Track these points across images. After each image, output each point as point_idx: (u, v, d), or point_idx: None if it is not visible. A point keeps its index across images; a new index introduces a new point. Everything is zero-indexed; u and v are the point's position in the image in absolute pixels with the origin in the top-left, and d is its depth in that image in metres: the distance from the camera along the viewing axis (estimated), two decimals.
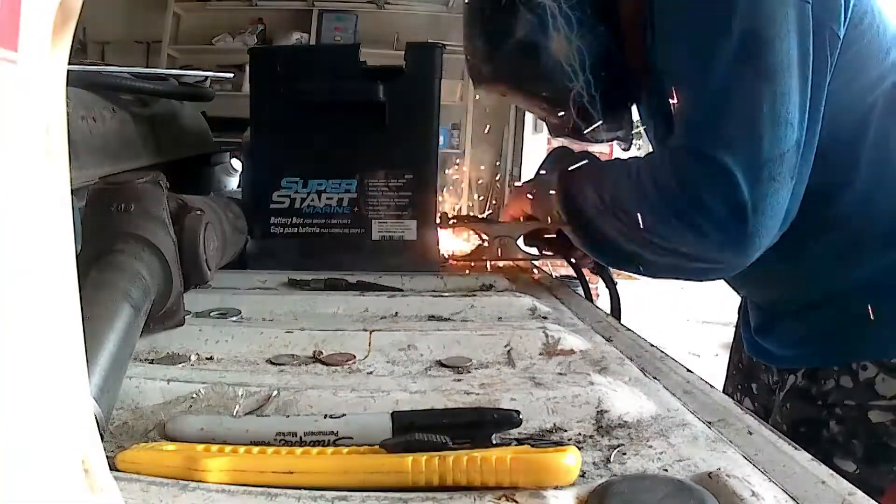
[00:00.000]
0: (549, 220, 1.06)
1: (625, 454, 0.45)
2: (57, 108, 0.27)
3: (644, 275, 0.98)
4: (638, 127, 1.13)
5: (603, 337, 0.73)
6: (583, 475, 0.41)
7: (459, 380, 0.58)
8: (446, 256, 1.16)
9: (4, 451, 0.23)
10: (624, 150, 1.16)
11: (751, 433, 0.49)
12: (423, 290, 0.93)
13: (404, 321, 0.78)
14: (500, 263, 1.18)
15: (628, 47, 0.97)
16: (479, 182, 5.89)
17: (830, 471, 0.42)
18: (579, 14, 0.93)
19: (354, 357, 0.64)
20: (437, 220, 1.12)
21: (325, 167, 1.07)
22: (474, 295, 0.87)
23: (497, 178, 5.78)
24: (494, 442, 0.42)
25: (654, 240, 0.87)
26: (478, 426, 0.43)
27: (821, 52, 0.84)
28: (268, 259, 1.06)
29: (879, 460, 0.92)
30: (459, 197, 5.26)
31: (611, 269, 1.18)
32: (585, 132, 1.03)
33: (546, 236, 1.12)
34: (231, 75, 4.72)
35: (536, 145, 5.75)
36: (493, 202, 5.78)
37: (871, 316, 0.95)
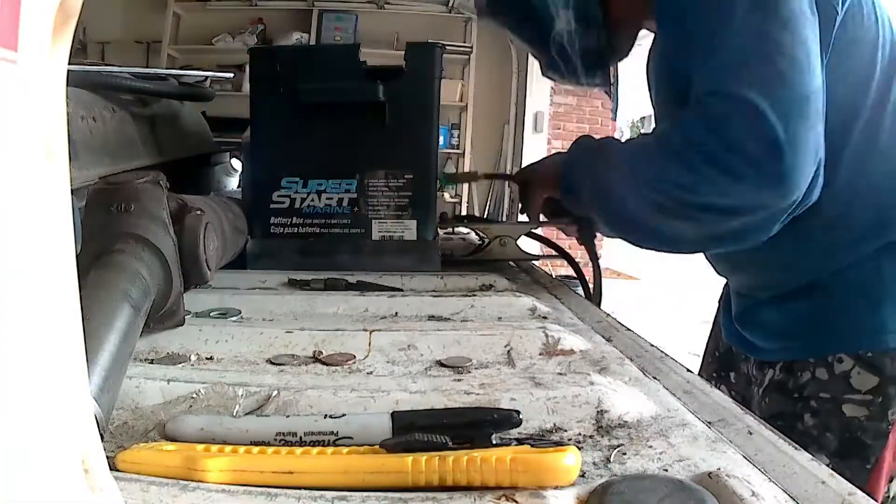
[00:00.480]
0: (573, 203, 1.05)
1: (625, 454, 0.45)
2: (57, 108, 0.27)
3: (680, 250, 0.97)
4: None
5: (603, 337, 0.73)
6: (583, 475, 0.41)
7: (459, 380, 0.58)
8: (447, 255, 1.16)
9: (4, 451, 0.23)
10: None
11: (751, 433, 0.49)
12: (423, 290, 0.93)
13: (404, 321, 0.78)
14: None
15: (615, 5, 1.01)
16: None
17: (830, 471, 0.42)
18: None
19: (354, 357, 0.64)
20: (438, 220, 1.12)
21: (324, 167, 1.07)
22: (474, 295, 0.87)
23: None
24: (494, 442, 0.42)
25: (689, 198, 0.84)
26: (478, 426, 0.43)
27: (822, 23, 0.85)
28: (268, 259, 1.06)
29: (852, 455, 0.93)
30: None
31: (595, 245, 1.19)
32: (564, 74, 1.07)
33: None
34: (231, 75, 4.72)
35: (536, 145, 5.75)
36: (493, 201, 5.78)
37: (848, 308, 0.97)
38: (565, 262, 1.30)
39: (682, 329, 6.53)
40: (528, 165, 1.24)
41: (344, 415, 0.47)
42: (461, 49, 5.65)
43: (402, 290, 0.92)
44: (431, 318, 0.80)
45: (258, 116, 1.10)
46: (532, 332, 0.69)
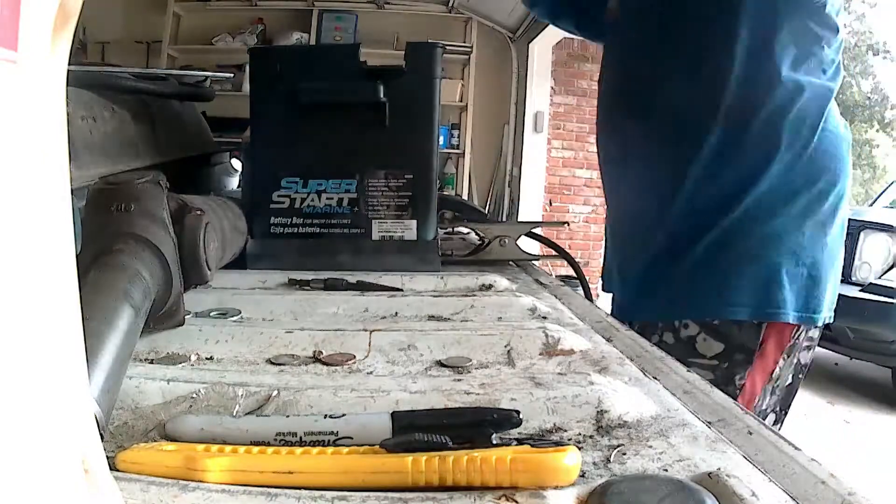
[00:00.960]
0: None
1: (625, 454, 0.45)
2: (57, 108, 0.27)
3: None
4: None
5: (603, 337, 0.73)
6: (583, 475, 0.41)
7: (459, 380, 0.58)
8: (447, 255, 1.16)
9: (4, 451, 0.23)
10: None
11: (751, 433, 0.49)
12: (423, 290, 0.93)
13: (404, 321, 0.78)
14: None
15: None
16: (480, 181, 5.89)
17: (830, 471, 0.42)
18: None
19: (354, 357, 0.64)
20: (438, 220, 1.12)
21: (325, 167, 1.07)
22: (474, 295, 0.87)
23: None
24: (494, 442, 0.42)
25: None
26: (478, 426, 0.43)
27: None
28: (268, 259, 1.06)
29: None
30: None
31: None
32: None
33: None
34: (231, 75, 4.73)
35: (536, 145, 5.75)
36: (493, 201, 5.79)
37: (697, 277, 1.03)
38: (565, 262, 1.31)
39: None
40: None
41: (344, 415, 0.47)
42: (461, 49, 5.65)
43: (402, 290, 0.93)
44: (431, 318, 0.80)
45: (258, 116, 1.10)
46: (532, 332, 0.69)
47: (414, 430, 0.42)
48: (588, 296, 1.17)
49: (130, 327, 0.54)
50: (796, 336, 1.05)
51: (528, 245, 1.29)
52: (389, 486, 0.39)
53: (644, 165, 1.08)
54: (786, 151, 1.01)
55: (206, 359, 0.64)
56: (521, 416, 0.45)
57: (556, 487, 0.38)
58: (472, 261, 1.18)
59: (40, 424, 0.25)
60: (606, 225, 1.29)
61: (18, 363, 0.24)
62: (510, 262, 1.22)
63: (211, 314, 0.77)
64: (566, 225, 2.39)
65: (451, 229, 1.76)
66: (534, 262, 1.25)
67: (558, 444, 0.40)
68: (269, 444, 0.44)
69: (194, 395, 0.52)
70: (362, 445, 0.43)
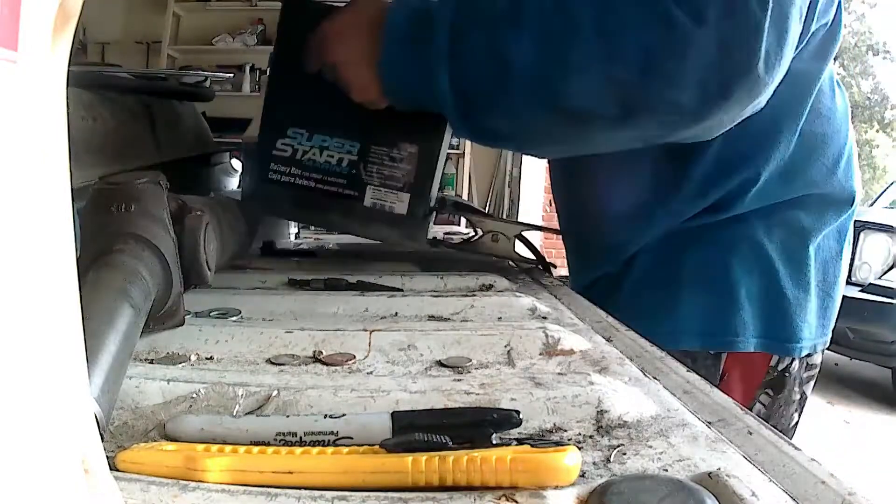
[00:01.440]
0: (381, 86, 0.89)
1: (625, 454, 0.45)
2: (57, 108, 0.27)
3: (582, 146, 0.85)
4: None
5: (603, 337, 0.73)
6: (583, 475, 0.41)
7: (459, 380, 0.58)
8: (436, 239, 1.15)
9: (4, 452, 0.23)
10: None
11: (751, 433, 0.49)
12: (423, 289, 0.93)
13: (404, 321, 0.78)
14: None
15: None
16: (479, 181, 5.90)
17: (831, 471, 0.42)
18: None
19: (354, 357, 0.64)
20: (435, 203, 1.11)
21: (332, 125, 1.06)
22: (474, 295, 0.87)
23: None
24: (494, 442, 0.42)
25: (622, 54, 0.72)
26: (478, 426, 0.43)
27: None
28: (259, 201, 1.07)
29: None
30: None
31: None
32: None
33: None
34: (231, 75, 4.74)
35: None
36: (493, 200, 5.79)
37: (640, 303, 0.92)
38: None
39: None
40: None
41: (344, 415, 0.47)
42: None
43: (401, 290, 0.93)
44: (431, 318, 0.80)
45: (280, 63, 1.10)
46: (532, 332, 0.69)
47: (414, 430, 0.42)
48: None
49: (130, 327, 0.54)
50: (778, 366, 0.91)
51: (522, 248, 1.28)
52: (389, 486, 0.39)
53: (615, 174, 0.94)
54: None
55: (206, 359, 0.64)
56: (521, 416, 0.45)
57: (556, 487, 0.38)
58: (461, 250, 1.17)
59: (40, 424, 0.25)
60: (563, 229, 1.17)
61: (18, 363, 0.24)
62: (509, 262, 1.21)
63: (211, 314, 0.77)
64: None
65: (447, 216, 1.76)
66: (519, 263, 1.23)
67: (558, 444, 0.41)
68: (269, 444, 0.44)
69: (194, 395, 0.52)
70: (362, 445, 0.43)
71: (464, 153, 5.81)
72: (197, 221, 0.74)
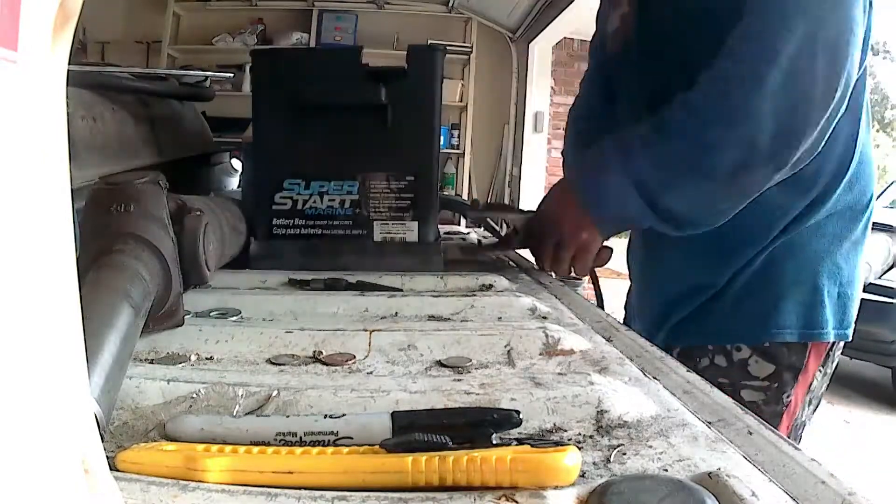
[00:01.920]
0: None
1: (625, 454, 0.45)
2: (57, 108, 0.27)
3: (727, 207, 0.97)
4: None
5: (603, 337, 0.73)
6: (583, 475, 0.41)
7: (459, 380, 0.58)
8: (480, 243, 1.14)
9: (4, 452, 0.23)
10: None
11: (751, 433, 0.49)
12: (423, 290, 0.93)
13: (404, 321, 0.78)
14: None
15: None
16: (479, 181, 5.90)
17: (831, 471, 0.42)
18: None
19: (354, 357, 0.64)
20: (475, 206, 1.13)
21: (327, 169, 1.07)
22: (474, 295, 0.87)
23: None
24: (494, 442, 0.42)
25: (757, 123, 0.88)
26: (478, 426, 0.43)
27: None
28: (270, 259, 1.07)
29: None
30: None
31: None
32: None
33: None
34: (231, 75, 4.73)
35: (536, 145, 5.75)
36: (493, 199, 5.78)
37: (743, 306, 1.06)
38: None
39: None
40: (528, 217, 1.17)
41: (344, 415, 0.47)
42: (461, 49, 5.65)
43: (401, 290, 0.92)
44: (431, 318, 0.80)
45: (260, 118, 1.10)
46: (532, 332, 0.69)
47: (414, 430, 0.42)
48: (601, 304, 1.17)
49: (130, 327, 0.54)
50: (831, 349, 1.09)
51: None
52: (389, 486, 0.39)
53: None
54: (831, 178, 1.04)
55: (206, 359, 0.64)
56: (521, 416, 0.45)
57: (556, 487, 0.38)
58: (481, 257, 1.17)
59: (40, 424, 0.25)
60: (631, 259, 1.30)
61: (19, 363, 0.24)
62: (510, 262, 1.21)
63: (211, 314, 0.77)
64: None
65: (476, 222, 1.77)
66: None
67: (558, 444, 0.40)
68: (269, 444, 0.44)
69: (194, 395, 0.52)
70: (362, 445, 0.43)
71: (464, 152, 5.81)
72: (196, 221, 0.74)
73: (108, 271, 0.59)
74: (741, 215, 0.97)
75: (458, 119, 5.91)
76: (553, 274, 1.12)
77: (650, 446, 0.46)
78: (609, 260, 1.10)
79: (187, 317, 0.71)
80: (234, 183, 1.79)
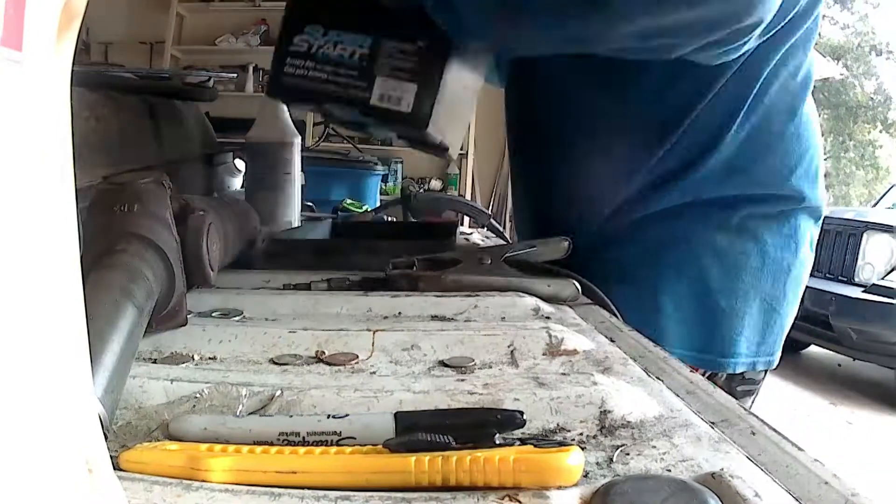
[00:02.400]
0: None
1: (628, 454, 0.45)
2: (62, 108, 0.27)
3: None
4: None
5: (606, 337, 0.73)
6: (586, 475, 0.41)
7: (462, 380, 0.58)
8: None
9: (7, 452, 0.23)
10: None
11: (754, 433, 0.49)
12: (427, 289, 0.93)
13: (408, 321, 0.78)
14: None
15: None
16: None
17: (834, 472, 0.42)
18: None
19: (357, 357, 0.64)
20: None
21: (347, 22, 1.08)
22: (477, 295, 0.86)
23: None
24: (498, 442, 0.42)
25: None
26: (481, 426, 0.43)
27: None
28: (278, 94, 1.10)
29: None
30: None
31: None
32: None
33: None
34: (234, 75, 4.74)
35: None
36: (496, 201, 5.79)
37: None
38: None
39: None
40: None
41: (347, 415, 0.47)
42: None
43: (405, 289, 0.92)
44: (434, 318, 0.80)
45: None
46: (535, 333, 0.69)
47: (417, 430, 0.42)
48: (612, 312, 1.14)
49: (133, 327, 0.54)
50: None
51: None
52: (392, 486, 0.39)
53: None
54: None
55: (209, 359, 0.64)
56: (524, 417, 0.45)
57: (559, 487, 0.38)
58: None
59: (44, 424, 0.25)
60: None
61: (22, 363, 0.24)
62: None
63: (213, 314, 0.77)
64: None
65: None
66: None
67: (561, 444, 0.40)
68: (272, 444, 0.44)
69: (197, 395, 0.52)
70: (365, 445, 0.43)
71: (467, 153, 5.81)
72: (200, 221, 0.74)
73: (112, 271, 0.59)
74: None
75: None
76: None
77: (653, 446, 0.46)
78: None
79: (190, 316, 0.71)
80: (237, 183, 1.79)
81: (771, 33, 0.82)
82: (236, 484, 0.39)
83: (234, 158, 1.79)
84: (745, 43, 0.74)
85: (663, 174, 0.85)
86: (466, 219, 2.52)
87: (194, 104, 1.59)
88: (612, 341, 0.72)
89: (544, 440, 0.46)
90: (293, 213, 1.41)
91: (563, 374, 0.60)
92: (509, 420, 0.45)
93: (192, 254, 0.72)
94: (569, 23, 0.77)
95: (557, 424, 0.50)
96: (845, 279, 4.80)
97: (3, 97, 0.23)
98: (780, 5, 0.74)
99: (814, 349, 5.44)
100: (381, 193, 2.86)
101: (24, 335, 0.24)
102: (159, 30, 5.60)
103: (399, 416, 0.45)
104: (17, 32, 0.23)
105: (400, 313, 0.81)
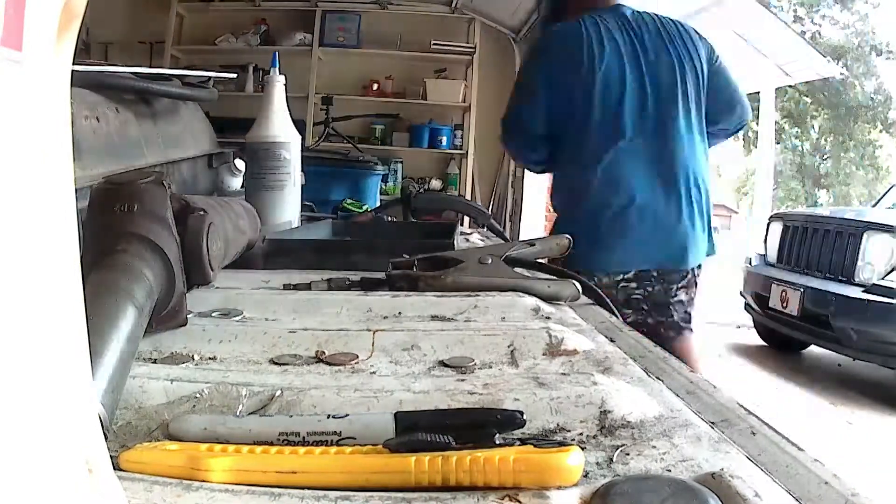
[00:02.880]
0: None
1: (628, 454, 0.45)
2: (61, 108, 0.27)
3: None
4: None
5: (606, 337, 0.73)
6: (586, 475, 0.41)
7: (463, 380, 0.58)
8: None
9: (8, 452, 0.23)
10: None
11: (754, 433, 0.49)
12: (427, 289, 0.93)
13: (408, 321, 0.78)
14: None
15: None
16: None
17: (834, 472, 0.42)
18: None
19: (357, 357, 0.64)
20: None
21: None
22: (477, 295, 0.87)
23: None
24: (498, 442, 0.42)
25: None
26: (481, 426, 0.43)
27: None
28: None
29: None
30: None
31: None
32: None
33: None
34: (234, 76, 4.73)
35: None
36: (496, 201, 5.78)
37: None
38: None
39: None
40: None
41: (347, 415, 0.47)
42: (464, 50, 5.65)
43: (405, 289, 0.92)
44: (435, 318, 0.80)
45: None
46: (535, 333, 0.69)
47: (417, 430, 0.42)
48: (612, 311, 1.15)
49: (134, 327, 0.54)
50: None
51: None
52: (393, 486, 0.39)
53: None
54: None
55: (209, 358, 0.64)
56: (524, 417, 0.45)
57: (559, 488, 0.38)
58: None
59: (44, 424, 0.25)
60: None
61: (23, 363, 0.24)
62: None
63: (213, 314, 0.77)
64: None
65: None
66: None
67: (561, 444, 0.40)
68: (272, 444, 0.44)
69: (198, 395, 0.52)
70: (365, 445, 0.43)
71: (466, 153, 5.81)
72: (200, 221, 0.74)
73: (112, 271, 0.59)
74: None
75: (461, 120, 5.91)
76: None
77: (653, 447, 0.46)
78: None
79: (190, 316, 0.71)
80: (237, 183, 1.79)
81: None
82: (236, 484, 0.39)
83: (234, 158, 1.79)
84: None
85: None
86: (466, 219, 2.52)
87: (195, 104, 1.59)
88: (612, 341, 0.72)
89: (544, 440, 0.46)
90: (293, 213, 1.42)
91: (563, 374, 0.60)
92: (509, 420, 0.45)
93: (192, 254, 0.72)
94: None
95: (557, 424, 0.50)
96: (845, 279, 4.80)
97: (3, 97, 0.23)
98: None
99: (814, 349, 5.45)
100: (381, 193, 2.86)
101: (25, 335, 0.24)
102: (159, 30, 5.60)
103: (399, 416, 0.45)
104: (17, 32, 0.23)
105: (400, 313, 0.81)
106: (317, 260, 1.08)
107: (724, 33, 7.25)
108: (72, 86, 0.28)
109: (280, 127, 1.38)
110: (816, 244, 5.13)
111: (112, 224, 0.64)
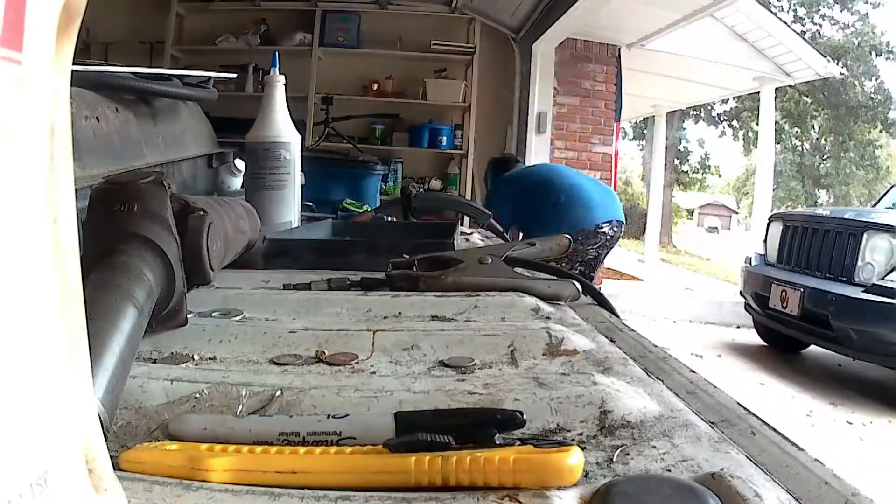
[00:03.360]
0: None
1: (628, 454, 0.45)
2: (61, 108, 0.27)
3: None
4: None
5: (606, 337, 0.73)
6: (586, 475, 0.41)
7: (463, 380, 0.58)
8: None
9: (8, 451, 0.23)
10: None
11: (754, 434, 0.49)
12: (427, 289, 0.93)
13: (408, 321, 0.78)
14: None
15: None
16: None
17: (834, 472, 0.42)
18: None
19: (358, 357, 0.64)
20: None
21: None
22: (477, 295, 0.87)
23: None
24: (498, 442, 0.42)
25: None
26: (481, 426, 0.43)
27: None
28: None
29: None
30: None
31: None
32: None
33: None
34: (234, 76, 4.73)
35: (540, 146, 5.74)
36: None
37: None
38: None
39: (685, 330, 6.54)
40: None
41: (347, 415, 0.47)
42: (464, 50, 5.65)
43: (405, 289, 0.92)
44: (435, 318, 0.80)
45: None
46: (535, 332, 0.69)
47: (417, 430, 0.42)
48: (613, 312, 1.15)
49: (134, 327, 0.54)
50: None
51: None
52: (393, 486, 0.39)
53: None
54: None
55: (209, 359, 0.64)
56: (524, 417, 0.45)
57: (559, 488, 0.38)
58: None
59: (44, 424, 0.25)
60: None
61: (23, 363, 0.24)
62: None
63: (213, 314, 0.77)
64: None
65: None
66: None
67: (561, 444, 0.40)
68: (272, 444, 0.44)
69: (198, 395, 0.52)
70: (365, 445, 0.43)
71: (466, 153, 5.81)
72: (200, 221, 0.74)
73: (112, 271, 0.59)
74: None
75: (461, 120, 5.91)
76: None
77: (653, 447, 0.46)
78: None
79: (190, 316, 0.71)
80: (237, 183, 1.79)
81: None
82: (236, 484, 0.39)
83: (234, 158, 1.79)
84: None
85: None
86: (466, 219, 2.53)
87: (195, 104, 1.59)
88: (612, 341, 0.72)
89: (544, 440, 0.46)
90: (293, 213, 1.42)
91: (563, 374, 0.60)
92: (509, 420, 0.45)
93: (192, 254, 0.72)
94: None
95: (557, 424, 0.50)
96: (845, 279, 4.80)
97: (3, 97, 0.23)
98: None
99: (814, 349, 5.45)
100: (381, 193, 2.86)
101: (25, 335, 0.24)
102: (159, 30, 5.60)
103: (399, 416, 0.45)
104: (17, 32, 0.23)
105: (400, 313, 0.81)
106: (317, 260, 1.08)
107: (724, 33, 7.26)
108: (72, 86, 0.28)
109: (280, 127, 1.38)
110: (816, 244, 5.13)
111: (112, 224, 0.64)
